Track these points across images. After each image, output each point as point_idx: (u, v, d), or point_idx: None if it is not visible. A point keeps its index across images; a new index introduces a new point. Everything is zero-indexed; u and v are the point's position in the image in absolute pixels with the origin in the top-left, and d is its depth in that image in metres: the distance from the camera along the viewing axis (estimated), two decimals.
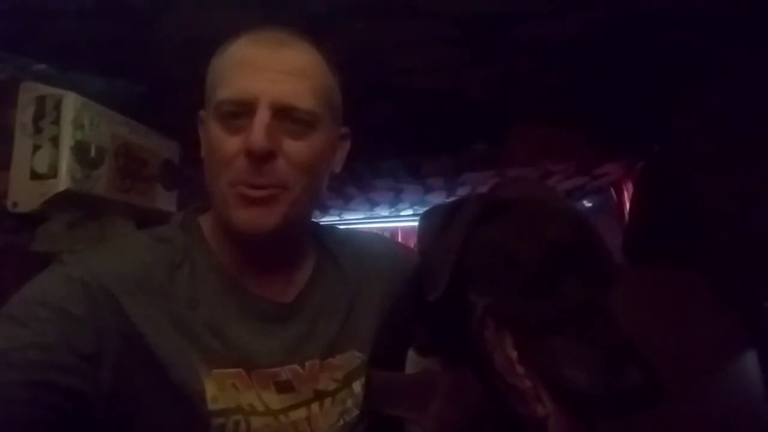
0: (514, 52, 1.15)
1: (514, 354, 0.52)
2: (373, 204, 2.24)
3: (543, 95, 1.41)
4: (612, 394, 0.45)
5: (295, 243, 0.71)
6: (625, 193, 1.86)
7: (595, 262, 0.54)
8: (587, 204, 2.30)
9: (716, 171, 1.25)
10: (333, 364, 0.68)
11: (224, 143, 0.60)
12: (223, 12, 0.93)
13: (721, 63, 1.13)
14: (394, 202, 2.22)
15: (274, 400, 0.61)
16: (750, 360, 1.12)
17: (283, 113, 0.60)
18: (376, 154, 1.61)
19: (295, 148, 0.61)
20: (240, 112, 0.59)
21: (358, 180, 1.75)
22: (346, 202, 2.18)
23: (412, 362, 0.67)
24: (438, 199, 2.15)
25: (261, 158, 0.58)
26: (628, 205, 1.85)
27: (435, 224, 0.61)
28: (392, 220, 2.56)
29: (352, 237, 0.85)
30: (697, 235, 1.29)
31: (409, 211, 2.49)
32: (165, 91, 1.18)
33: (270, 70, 0.60)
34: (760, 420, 1.06)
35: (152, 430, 0.56)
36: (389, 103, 1.42)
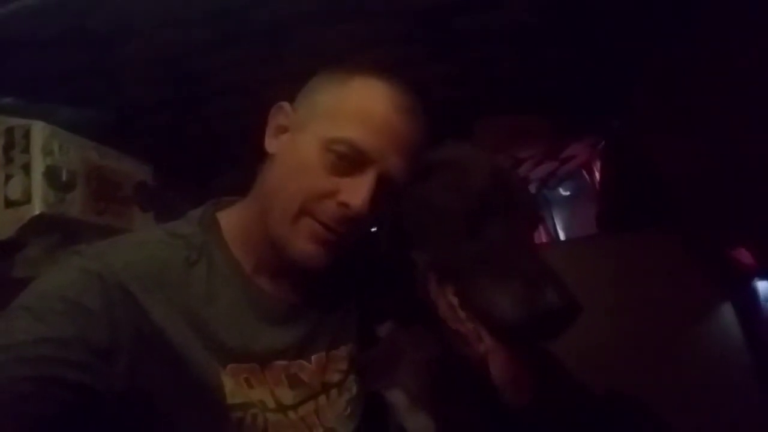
0: (464, 45, 1.20)
1: (455, 300, 0.57)
2: None
3: (501, 85, 1.45)
4: (533, 317, 0.48)
5: None
6: (596, 174, 1.91)
7: (512, 203, 0.59)
8: (564, 192, 2.35)
9: (674, 136, 1.30)
10: (338, 356, 0.70)
11: (320, 177, 0.62)
12: (181, 31, 0.98)
13: (669, 30, 1.18)
14: None
15: (287, 395, 0.63)
16: (725, 311, 1.16)
17: (384, 180, 0.63)
18: None
19: (374, 208, 0.63)
20: (350, 157, 0.62)
21: None
22: None
23: (381, 334, 0.70)
24: None
25: (355, 218, 0.62)
26: (598, 184, 1.90)
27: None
28: None
29: None
30: (662, 200, 1.33)
31: None
32: (134, 115, 1.21)
33: (395, 138, 0.64)
34: (739, 368, 1.09)
35: (171, 424, 0.57)
36: None
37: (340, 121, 0.63)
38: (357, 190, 0.61)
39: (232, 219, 0.69)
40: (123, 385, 0.53)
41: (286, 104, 0.69)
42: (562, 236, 2.45)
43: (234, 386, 0.59)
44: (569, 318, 0.49)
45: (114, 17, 0.90)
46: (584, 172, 2.04)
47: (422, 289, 0.61)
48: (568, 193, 2.35)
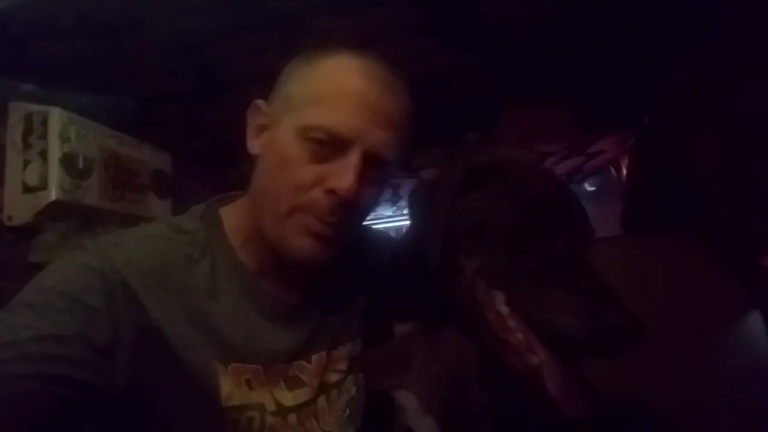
0: (487, 34, 1.16)
1: (505, 310, 0.54)
2: None
3: (526, 77, 1.41)
4: (598, 334, 0.47)
5: None
6: (624, 170, 1.84)
7: (572, 216, 0.57)
8: (589, 188, 2.28)
9: (706, 136, 1.23)
10: (338, 355, 0.69)
11: (302, 168, 0.59)
12: (198, 19, 0.97)
13: (700, 24, 1.12)
14: (395, 200, 2.22)
15: (286, 397, 0.62)
16: (754, 319, 1.10)
17: (370, 159, 0.60)
18: None
19: (366, 192, 0.61)
20: (329, 142, 0.58)
21: None
22: None
23: (397, 333, 0.69)
24: None
25: (344, 202, 0.58)
26: (626, 181, 1.83)
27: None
28: (395, 219, 2.57)
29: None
30: (693, 201, 1.27)
31: None
32: (153, 104, 1.21)
33: (374, 114, 0.59)
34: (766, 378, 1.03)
35: (169, 422, 0.57)
36: None
37: (312, 108, 0.59)
38: (342, 174, 0.58)
39: (233, 216, 0.68)
40: (123, 381, 0.53)
41: (261, 102, 0.65)
42: None
43: (232, 387, 0.58)
44: (633, 337, 0.47)
45: (132, 5, 0.89)
46: (612, 169, 1.97)
47: (467, 294, 0.59)
48: (593, 189, 2.28)
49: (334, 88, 0.59)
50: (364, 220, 0.66)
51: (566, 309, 0.49)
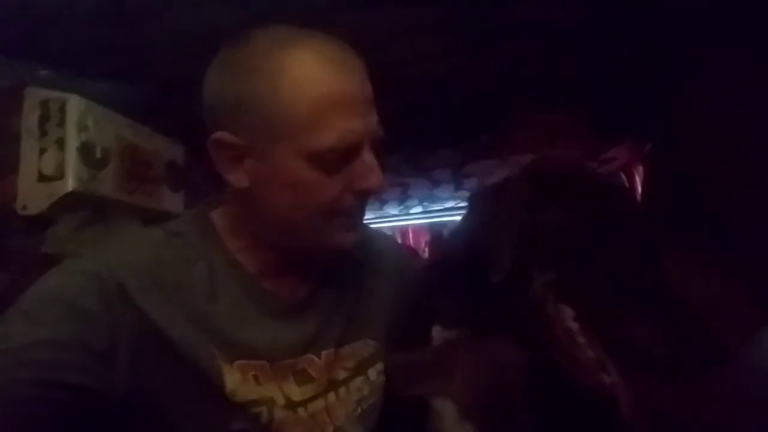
0: (509, 36, 1.15)
1: (574, 326, 0.53)
2: (382, 202, 2.24)
3: (542, 81, 1.40)
4: (687, 359, 0.46)
5: None
6: (636, 178, 1.84)
7: (646, 234, 0.56)
8: None
9: (725, 146, 1.23)
10: (344, 354, 0.68)
11: (323, 187, 0.58)
12: (220, 9, 0.94)
13: (723, 34, 1.11)
14: (402, 199, 2.21)
15: (294, 391, 0.62)
16: None
17: (374, 146, 0.60)
18: None
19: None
20: (341, 154, 0.57)
21: None
22: None
23: (436, 338, 0.68)
24: (446, 192, 2.14)
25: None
26: (639, 189, 1.83)
27: (484, 207, 0.63)
28: (402, 219, 2.56)
29: None
30: (711, 214, 1.26)
31: (419, 209, 2.49)
32: (168, 93, 1.19)
33: (364, 105, 0.58)
34: None
35: (175, 423, 0.56)
36: (387, 97, 1.42)
37: (310, 131, 0.56)
38: (366, 173, 0.58)
39: (226, 220, 0.66)
40: (124, 385, 0.52)
41: (224, 134, 0.58)
42: None
43: (239, 383, 0.58)
44: (720, 361, 0.47)
45: None
46: (623, 175, 1.96)
47: (534, 307, 0.58)
48: None
49: (321, 102, 0.56)
50: None
51: (651, 331, 0.48)
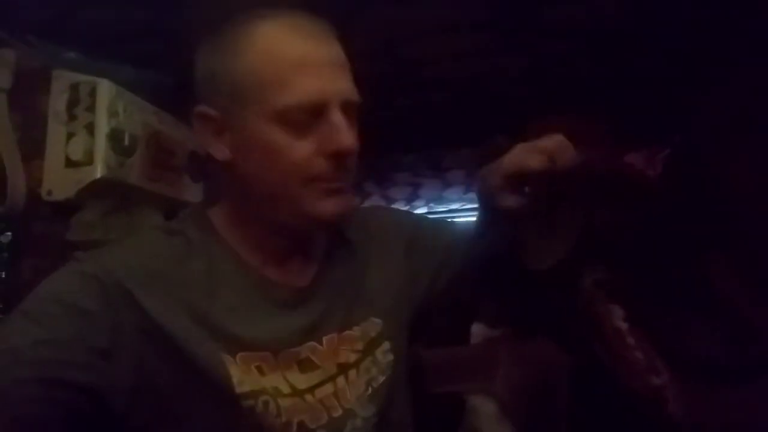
0: (545, 38, 1.14)
1: (624, 326, 0.53)
2: (390, 201, 2.23)
3: (568, 85, 1.40)
4: (746, 365, 0.46)
5: None
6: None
7: (710, 242, 0.56)
8: None
9: (746, 163, 1.24)
10: (352, 336, 0.68)
11: (294, 148, 0.59)
12: (253, 2, 0.93)
13: (751, 52, 1.12)
14: (411, 199, 2.20)
15: (299, 379, 0.61)
16: None
17: (346, 109, 0.60)
18: (396, 147, 1.60)
19: (355, 137, 0.62)
20: (307, 114, 0.58)
21: (377, 174, 1.74)
22: (361, 200, 2.17)
23: (476, 335, 0.67)
24: (455, 194, 2.14)
25: (350, 158, 0.60)
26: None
27: (538, 200, 0.62)
28: None
29: (357, 210, 0.86)
30: (727, 225, 1.27)
31: (424, 209, 2.48)
32: (191, 82, 1.17)
33: (330, 67, 0.60)
34: None
35: (181, 418, 0.56)
36: (411, 95, 1.41)
37: (274, 91, 0.58)
38: (336, 135, 0.58)
39: (222, 216, 0.67)
40: (127, 383, 0.53)
41: (204, 107, 0.63)
42: None
43: (243, 374, 0.58)
44: None
45: None
46: None
47: (583, 307, 0.57)
48: None
49: (284, 62, 0.58)
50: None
51: (708, 336, 0.47)
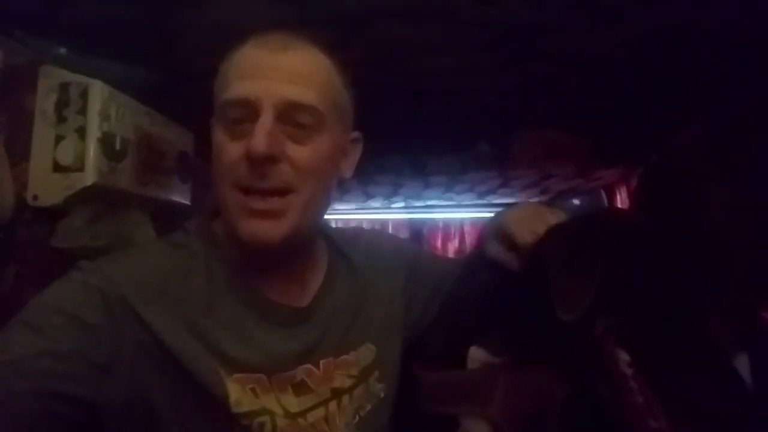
0: (538, 62, 1.17)
1: (628, 371, 0.56)
2: (369, 196, 2.24)
3: (553, 103, 1.43)
4: (744, 416, 0.49)
5: (308, 249, 0.71)
6: (618, 197, 1.93)
7: (705, 288, 0.59)
8: (576, 202, 2.36)
9: (715, 185, 1.31)
10: (348, 361, 0.69)
11: (227, 148, 0.59)
12: (252, 6, 0.90)
13: (731, 84, 1.18)
14: (390, 195, 2.22)
15: (292, 403, 0.62)
16: (741, 363, 1.19)
17: (287, 115, 0.59)
18: (382, 152, 1.60)
19: (299, 152, 0.59)
20: (243, 115, 0.58)
21: (361, 175, 1.74)
22: (341, 193, 2.17)
23: (473, 359, 0.70)
24: (434, 194, 2.17)
25: (261, 162, 0.57)
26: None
27: (566, 246, 0.64)
28: (384, 211, 2.56)
29: (361, 234, 0.87)
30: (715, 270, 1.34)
31: (401, 204, 2.50)
32: (183, 80, 1.13)
33: (274, 72, 0.59)
34: None
35: None
36: (402, 104, 1.41)
37: (222, 92, 0.61)
38: (252, 137, 0.57)
39: (223, 229, 0.67)
40: (124, 397, 0.53)
41: (211, 122, 0.66)
42: None
43: (240, 394, 0.58)
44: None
45: None
46: (603, 192, 2.05)
47: (592, 347, 0.60)
48: (578, 202, 2.37)
49: (234, 67, 0.61)
50: (317, 188, 0.62)
51: (713, 395, 0.51)
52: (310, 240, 0.71)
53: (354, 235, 0.85)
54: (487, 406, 0.66)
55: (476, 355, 0.70)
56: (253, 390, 0.59)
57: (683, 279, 0.60)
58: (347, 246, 0.79)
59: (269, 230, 0.59)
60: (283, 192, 0.59)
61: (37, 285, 0.85)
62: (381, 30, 0.99)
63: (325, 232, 0.78)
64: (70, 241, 0.88)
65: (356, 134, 0.71)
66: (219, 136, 0.61)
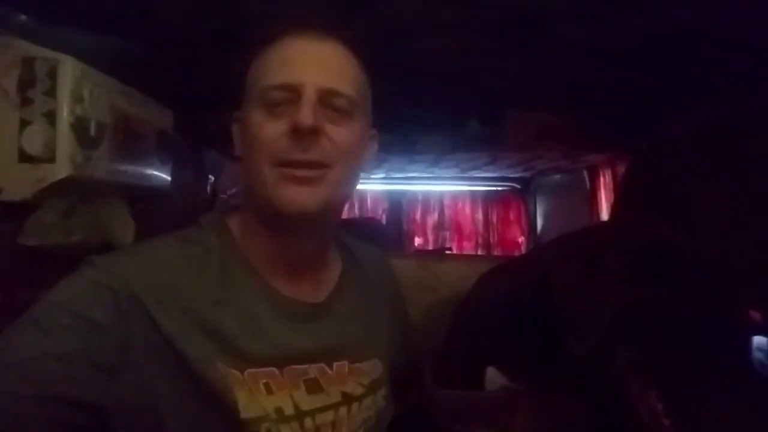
0: (543, 48, 1.12)
1: (659, 406, 0.54)
2: None
3: (551, 87, 1.39)
4: None
5: (323, 244, 0.71)
6: (601, 180, 1.93)
7: (735, 314, 0.57)
8: (556, 176, 2.36)
9: (709, 179, 1.31)
10: (360, 369, 0.69)
11: (267, 127, 0.61)
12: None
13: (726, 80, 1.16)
14: (372, 167, 2.16)
15: (304, 400, 0.62)
16: None
17: (326, 99, 0.62)
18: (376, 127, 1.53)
19: (336, 131, 0.62)
20: (285, 98, 0.61)
21: None
22: None
23: (491, 381, 0.69)
24: (419, 167, 2.12)
25: (308, 135, 0.59)
26: (603, 192, 1.93)
27: (573, 273, 0.61)
28: (363, 182, 2.50)
29: (368, 244, 0.88)
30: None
31: (381, 174, 2.45)
32: (162, 50, 1.02)
33: (314, 61, 0.63)
34: None
35: None
36: (396, 82, 1.35)
37: (262, 79, 0.63)
38: (296, 112, 0.60)
39: (239, 222, 0.68)
40: (130, 401, 0.53)
41: (237, 113, 0.68)
42: (539, 223, 2.51)
43: (249, 398, 0.58)
44: None
45: None
46: (585, 171, 2.05)
47: (615, 380, 0.58)
48: (558, 177, 2.38)
49: (276, 57, 0.64)
50: (348, 167, 0.65)
51: (745, 415, 0.50)
52: (331, 226, 0.70)
53: (368, 249, 0.85)
54: (507, 428, 0.65)
55: (493, 377, 0.68)
56: (266, 385, 0.59)
57: (716, 303, 0.58)
58: (359, 252, 0.79)
59: (307, 196, 0.61)
60: (320, 165, 0.62)
61: (5, 285, 0.78)
62: (390, 7, 0.92)
63: (342, 240, 0.78)
64: (42, 238, 0.79)
65: (374, 131, 0.73)
66: (257, 117, 0.62)
